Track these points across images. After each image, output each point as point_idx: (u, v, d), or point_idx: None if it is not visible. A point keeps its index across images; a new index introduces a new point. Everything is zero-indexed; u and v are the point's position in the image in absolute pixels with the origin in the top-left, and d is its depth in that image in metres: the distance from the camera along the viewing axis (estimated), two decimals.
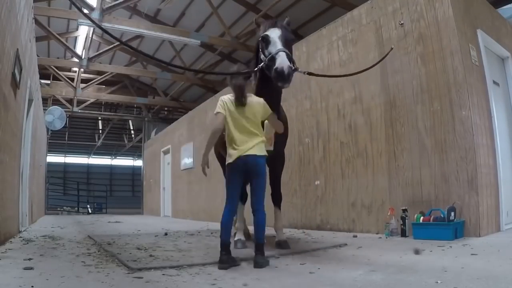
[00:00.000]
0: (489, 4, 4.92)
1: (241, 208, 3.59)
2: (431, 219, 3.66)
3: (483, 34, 4.24)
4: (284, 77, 2.65)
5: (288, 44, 2.87)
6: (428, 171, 3.98)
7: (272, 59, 2.74)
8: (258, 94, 3.02)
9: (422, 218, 3.74)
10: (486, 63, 4.18)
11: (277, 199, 3.56)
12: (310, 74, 3.27)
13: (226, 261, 2.54)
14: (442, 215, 3.55)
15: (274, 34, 2.87)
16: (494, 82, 4.45)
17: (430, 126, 4.02)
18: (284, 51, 2.75)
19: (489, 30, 4.46)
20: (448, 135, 3.85)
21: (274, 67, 2.67)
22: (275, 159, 3.47)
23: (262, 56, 2.89)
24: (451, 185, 3.77)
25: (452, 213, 3.55)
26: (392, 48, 4.23)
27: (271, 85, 2.90)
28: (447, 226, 3.48)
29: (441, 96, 3.94)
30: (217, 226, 4.96)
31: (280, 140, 3.44)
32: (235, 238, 3.44)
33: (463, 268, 2.21)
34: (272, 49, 2.81)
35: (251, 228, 3.36)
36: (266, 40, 2.89)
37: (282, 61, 2.66)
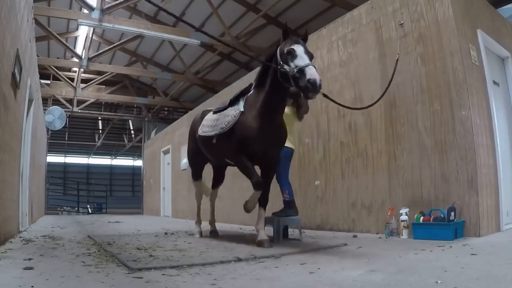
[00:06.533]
0: (489, 4, 4.92)
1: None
2: (431, 219, 3.66)
3: (483, 34, 4.24)
4: (316, 88, 2.88)
5: (311, 60, 3.08)
6: (428, 171, 3.98)
7: (301, 71, 2.95)
8: (269, 98, 3.42)
9: (422, 218, 3.75)
10: (486, 63, 4.18)
11: (265, 201, 3.74)
12: (324, 96, 3.47)
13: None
14: (442, 215, 3.55)
15: (300, 49, 3.09)
16: (494, 82, 4.45)
17: (430, 126, 4.02)
18: (314, 66, 2.98)
19: (489, 30, 4.45)
20: (448, 135, 3.85)
21: (307, 78, 2.88)
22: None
23: (286, 67, 3.08)
24: (451, 185, 3.77)
25: (452, 213, 3.55)
26: (398, 59, 4.21)
27: (282, 91, 3.37)
28: (447, 226, 3.48)
29: (441, 96, 3.95)
30: (217, 226, 4.98)
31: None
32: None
33: (463, 268, 2.21)
34: (300, 62, 3.01)
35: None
36: (292, 54, 3.08)
37: (314, 73, 2.90)
